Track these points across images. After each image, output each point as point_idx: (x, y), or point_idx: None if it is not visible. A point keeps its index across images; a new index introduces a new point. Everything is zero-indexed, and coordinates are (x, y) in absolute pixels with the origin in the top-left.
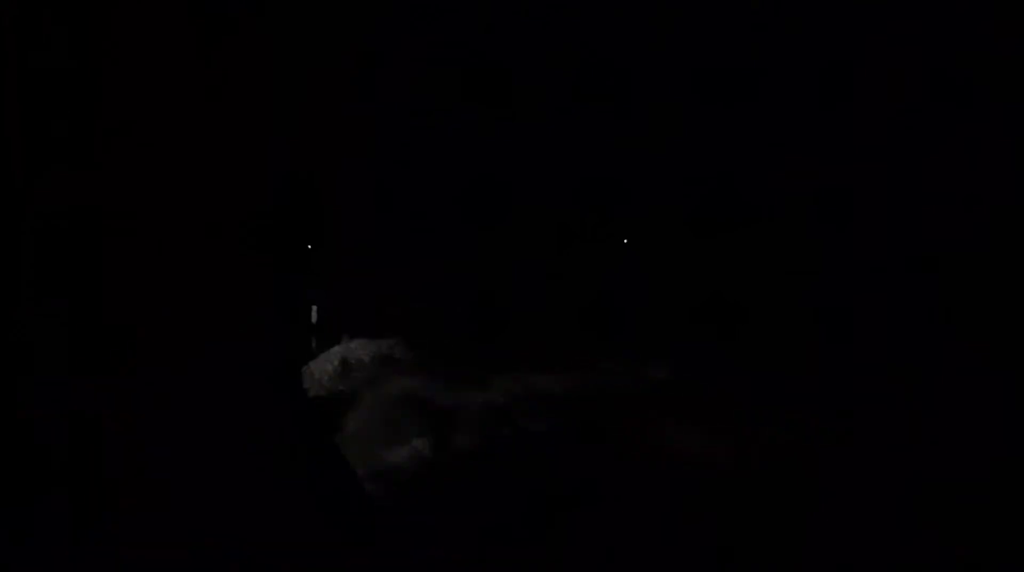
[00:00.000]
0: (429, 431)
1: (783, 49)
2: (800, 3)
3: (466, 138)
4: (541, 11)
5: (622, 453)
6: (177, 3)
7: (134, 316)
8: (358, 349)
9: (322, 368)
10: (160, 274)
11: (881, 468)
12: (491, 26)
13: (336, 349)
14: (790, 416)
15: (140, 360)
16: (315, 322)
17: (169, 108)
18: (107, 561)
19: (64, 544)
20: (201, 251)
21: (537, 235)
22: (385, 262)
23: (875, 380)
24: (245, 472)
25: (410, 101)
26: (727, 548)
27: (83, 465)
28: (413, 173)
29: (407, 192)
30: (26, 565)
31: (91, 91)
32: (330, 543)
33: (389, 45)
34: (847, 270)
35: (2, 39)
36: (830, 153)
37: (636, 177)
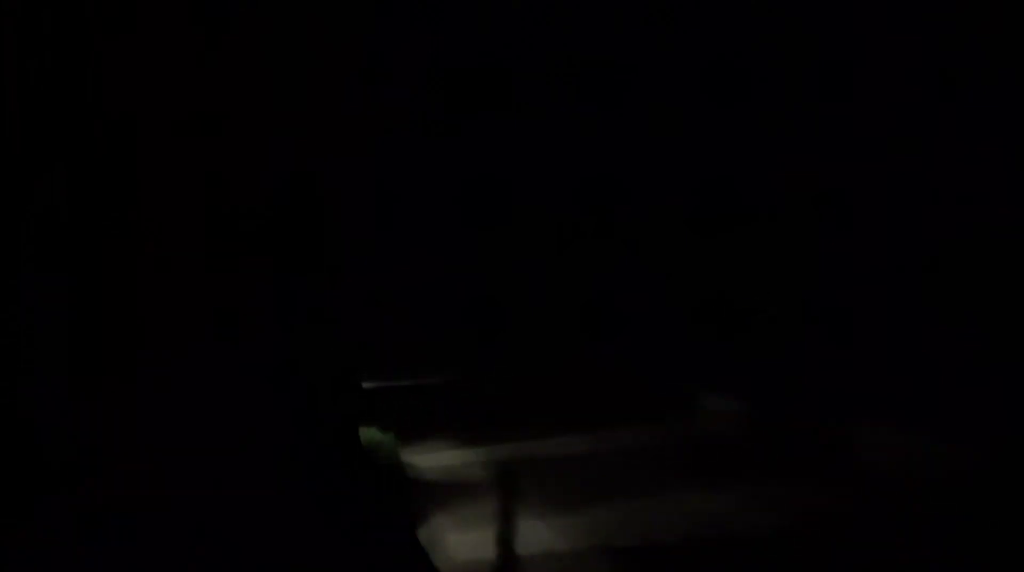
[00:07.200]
0: None
1: (783, 49)
2: (801, 3)
3: (466, 138)
4: (541, 11)
5: None
6: (178, 4)
7: (134, 317)
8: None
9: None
10: (160, 275)
11: (881, 467)
12: (491, 26)
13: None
14: (788, 416)
15: (140, 360)
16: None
17: (169, 108)
18: (107, 561)
19: (64, 544)
20: (201, 251)
21: (537, 235)
22: (385, 262)
23: (875, 380)
24: (244, 471)
25: (410, 101)
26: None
27: (83, 465)
28: (413, 173)
29: (407, 192)
30: (26, 565)
31: (91, 91)
32: (329, 541)
33: (389, 45)
34: (847, 270)
35: (2, 39)
36: (830, 153)
37: (636, 177)
